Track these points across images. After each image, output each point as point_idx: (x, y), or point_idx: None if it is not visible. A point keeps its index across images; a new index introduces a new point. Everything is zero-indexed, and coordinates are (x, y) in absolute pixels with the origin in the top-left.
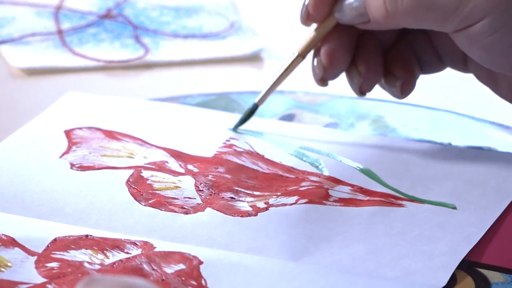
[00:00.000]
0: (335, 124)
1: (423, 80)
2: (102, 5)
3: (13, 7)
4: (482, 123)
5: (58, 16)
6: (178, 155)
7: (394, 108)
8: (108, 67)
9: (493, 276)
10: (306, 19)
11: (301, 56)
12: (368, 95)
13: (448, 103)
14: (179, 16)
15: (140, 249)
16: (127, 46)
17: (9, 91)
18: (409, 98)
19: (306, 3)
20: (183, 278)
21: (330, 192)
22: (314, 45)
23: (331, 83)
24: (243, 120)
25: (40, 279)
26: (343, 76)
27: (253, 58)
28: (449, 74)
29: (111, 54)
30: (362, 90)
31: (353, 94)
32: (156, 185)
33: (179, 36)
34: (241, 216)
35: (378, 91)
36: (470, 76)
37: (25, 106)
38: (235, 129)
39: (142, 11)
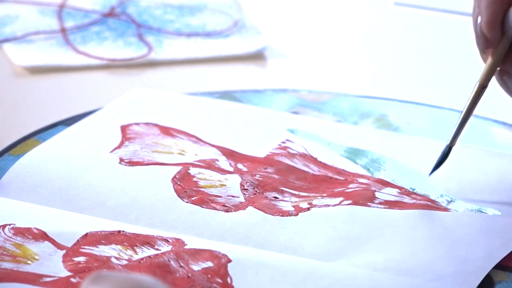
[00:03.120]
0: (338, 122)
1: (426, 78)
2: (105, 3)
3: (16, 6)
4: (485, 121)
5: (61, 14)
6: (230, 154)
7: (398, 107)
8: (112, 65)
9: (496, 274)
10: (485, 46)
11: (484, 85)
12: (372, 93)
13: (452, 101)
14: (183, 14)
15: (171, 246)
16: (130, 44)
17: (12, 89)
18: (412, 97)
19: (479, 29)
20: (209, 276)
21: (377, 194)
22: (494, 71)
23: (334, 81)
24: (438, 164)
25: (65, 273)
26: (344, 74)
27: (257, 57)
28: (451, 72)
29: (114, 52)
30: None
31: (356, 92)
32: (201, 183)
33: (183, 34)
34: (282, 216)
35: (381, 90)
36: (472, 74)
37: (28, 104)
38: (430, 174)
39: (146, 10)
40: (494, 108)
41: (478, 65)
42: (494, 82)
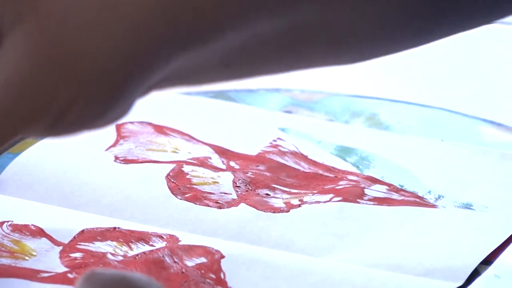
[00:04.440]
0: (330, 121)
1: (416, 78)
2: None
3: None
4: (475, 121)
5: None
6: (222, 152)
7: (388, 106)
8: None
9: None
10: None
11: None
12: (363, 93)
13: (442, 100)
14: None
15: (165, 242)
16: None
17: None
18: (403, 96)
19: None
20: (202, 271)
21: (366, 191)
22: None
23: (327, 80)
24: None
25: (62, 268)
26: (339, 74)
27: None
28: (442, 72)
29: None
30: None
31: (348, 92)
32: (194, 180)
33: None
34: (273, 212)
35: (373, 89)
36: (465, 74)
37: None
38: None
39: None
40: (482, 107)
41: (470, 65)
42: (487, 80)
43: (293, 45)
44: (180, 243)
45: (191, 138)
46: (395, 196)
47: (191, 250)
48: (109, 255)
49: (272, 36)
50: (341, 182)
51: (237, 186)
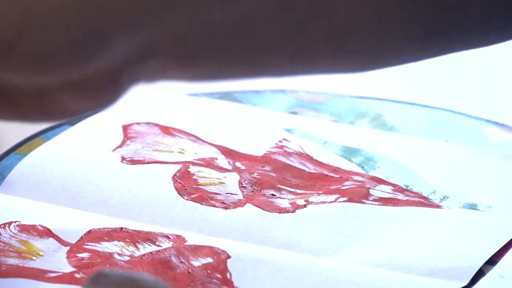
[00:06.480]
0: (335, 122)
1: (421, 79)
2: None
3: None
4: (478, 121)
5: None
6: (228, 153)
7: (393, 107)
8: None
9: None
10: None
11: None
12: (368, 94)
13: (446, 101)
14: None
15: (172, 242)
16: None
17: None
18: (407, 97)
19: None
20: (209, 271)
21: (371, 191)
22: None
23: (332, 82)
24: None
25: (69, 268)
26: (341, 75)
27: None
28: (448, 73)
29: None
30: None
31: (353, 93)
32: (200, 181)
33: None
34: (279, 212)
35: (377, 90)
36: (469, 75)
37: None
38: None
39: None
40: (486, 108)
41: (474, 66)
42: (491, 82)
43: (294, 35)
44: (186, 243)
45: (197, 139)
46: (400, 196)
47: (197, 250)
48: (116, 255)
49: (268, 19)
50: (346, 183)
51: (243, 187)
